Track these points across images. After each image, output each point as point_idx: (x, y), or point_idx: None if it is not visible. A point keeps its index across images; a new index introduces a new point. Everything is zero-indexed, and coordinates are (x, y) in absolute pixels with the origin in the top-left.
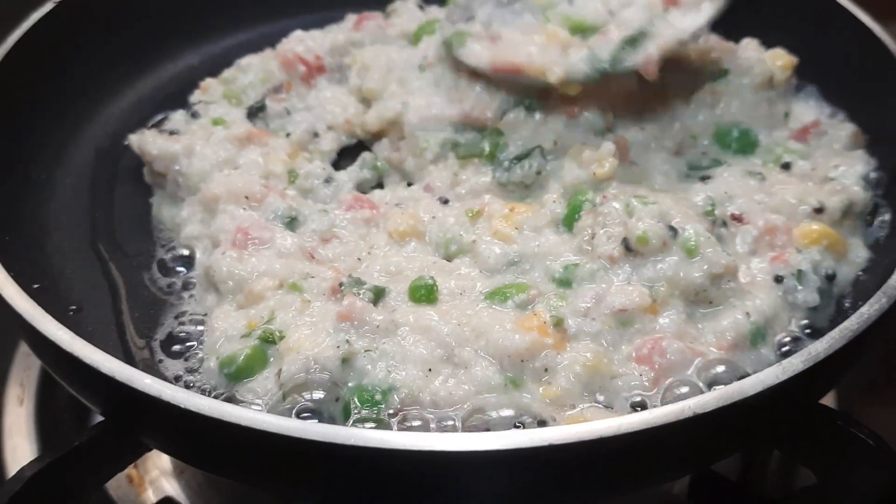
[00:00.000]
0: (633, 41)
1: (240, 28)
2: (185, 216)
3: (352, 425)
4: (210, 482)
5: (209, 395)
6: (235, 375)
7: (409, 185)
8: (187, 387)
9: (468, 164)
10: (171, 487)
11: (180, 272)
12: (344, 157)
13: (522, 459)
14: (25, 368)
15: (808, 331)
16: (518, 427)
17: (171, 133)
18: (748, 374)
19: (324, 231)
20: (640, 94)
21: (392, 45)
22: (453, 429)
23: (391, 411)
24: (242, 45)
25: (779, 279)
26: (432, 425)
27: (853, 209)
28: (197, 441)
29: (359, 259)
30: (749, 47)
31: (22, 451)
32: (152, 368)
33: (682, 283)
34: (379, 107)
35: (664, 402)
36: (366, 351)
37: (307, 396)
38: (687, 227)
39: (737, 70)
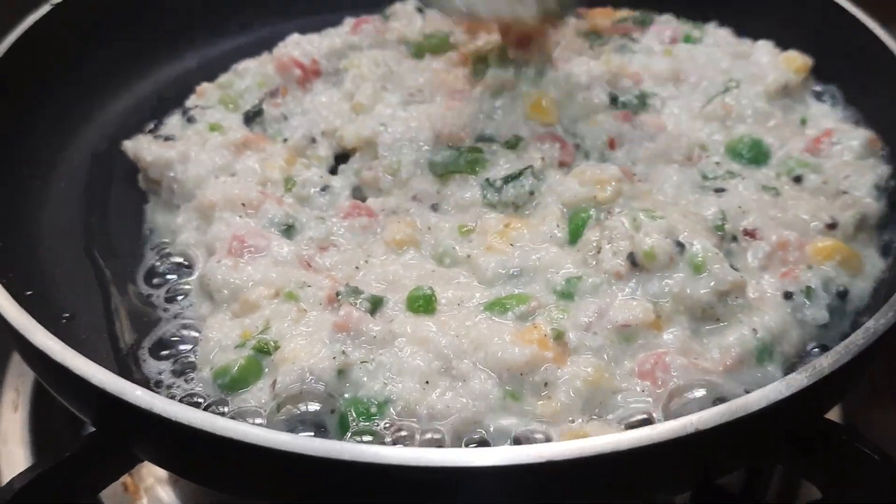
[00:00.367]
0: None
1: (238, 31)
2: (181, 223)
3: (348, 438)
4: (205, 491)
5: (203, 406)
6: (229, 386)
7: None
8: (179, 397)
9: (450, 179)
10: (167, 495)
11: (175, 279)
12: (342, 160)
13: (520, 475)
14: (20, 374)
15: (817, 348)
16: (517, 442)
17: (167, 139)
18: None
19: (321, 239)
20: None
21: (391, 51)
22: (450, 443)
23: (387, 424)
24: (240, 49)
25: (788, 295)
26: (429, 439)
27: (867, 222)
28: (189, 454)
29: (356, 268)
30: (764, 49)
31: (16, 458)
32: (144, 378)
33: (688, 300)
34: (358, 123)
35: (666, 418)
36: (362, 362)
37: (302, 408)
38: (694, 242)
39: (748, 79)
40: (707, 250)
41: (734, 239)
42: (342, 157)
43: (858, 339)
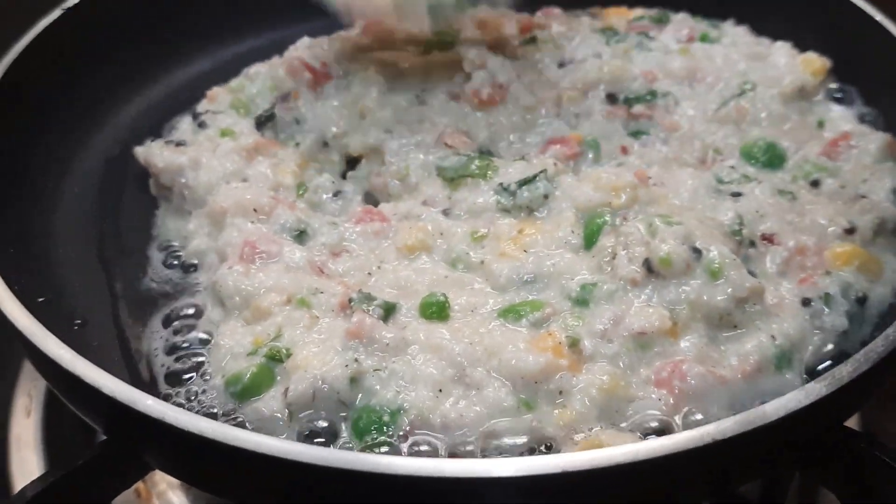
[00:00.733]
0: None
1: (249, 35)
2: (192, 229)
3: (361, 447)
4: (217, 498)
5: (216, 414)
6: (241, 394)
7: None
8: (190, 406)
9: (461, 184)
10: (179, 501)
11: (187, 285)
12: (354, 164)
13: (536, 486)
14: (33, 379)
15: (837, 353)
16: (531, 451)
17: (178, 144)
18: (771, 400)
19: (334, 245)
20: None
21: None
22: (464, 453)
23: (400, 433)
24: (253, 52)
25: (806, 302)
26: (442, 448)
27: (885, 227)
28: (200, 463)
29: (369, 274)
30: (781, 51)
31: (29, 464)
32: (156, 386)
33: (704, 307)
34: (363, 130)
35: (684, 428)
36: (374, 370)
37: (314, 416)
38: (711, 248)
39: (765, 81)
40: (724, 256)
41: (752, 244)
42: (354, 161)
43: (878, 346)
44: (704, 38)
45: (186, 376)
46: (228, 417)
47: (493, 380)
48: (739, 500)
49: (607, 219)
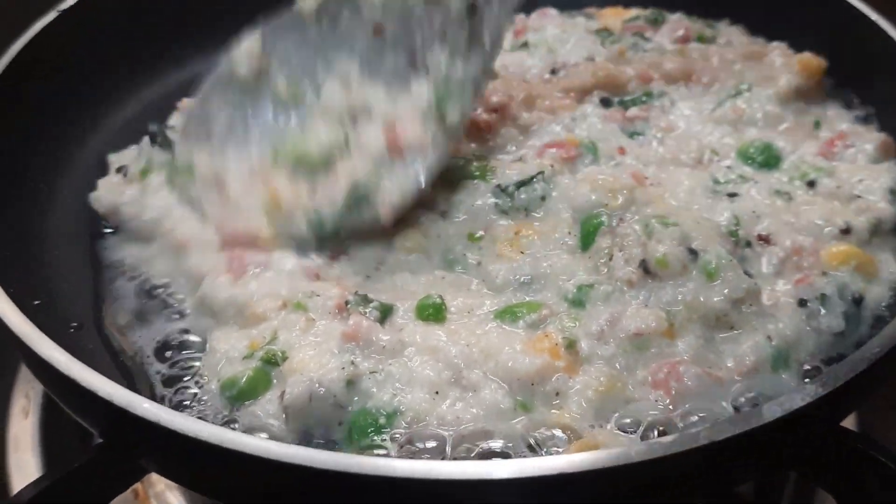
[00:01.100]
0: (354, 206)
1: (245, 35)
2: (154, 252)
3: (357, 450)
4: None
5: (211, 419)
6: (237, 398)
7: None
8: (186, 409)
9: (459, 187)
10: (177, 501)
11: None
12: None
13: (532, 488)
14: (30, 380)
15: (834, 354)
16: (528, 453)
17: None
18: (767, 400)
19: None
20: None
21: None
22: (461, 454)
23: (397, 435)
24: None
25: (802, 303)
26: (439, 450)
27: (881, 226)
28: (196, 466)
29: (367, 277)
30: (777, 51)
31: (27, 466)
32: (151, 389)
33: (701, 308)
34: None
35: (680, 429)
36: (371, 372)
37: (311, 419)
38: (708, 249)
39: (761, 82)
40: (720, 257)
41: (748, 244)
42: None
43: (874, 347)
44: (700, 39)
45: (180, 378)
46: (224, 421)
47: (489, 382)
48: (735, 500)
49: (604, 220)
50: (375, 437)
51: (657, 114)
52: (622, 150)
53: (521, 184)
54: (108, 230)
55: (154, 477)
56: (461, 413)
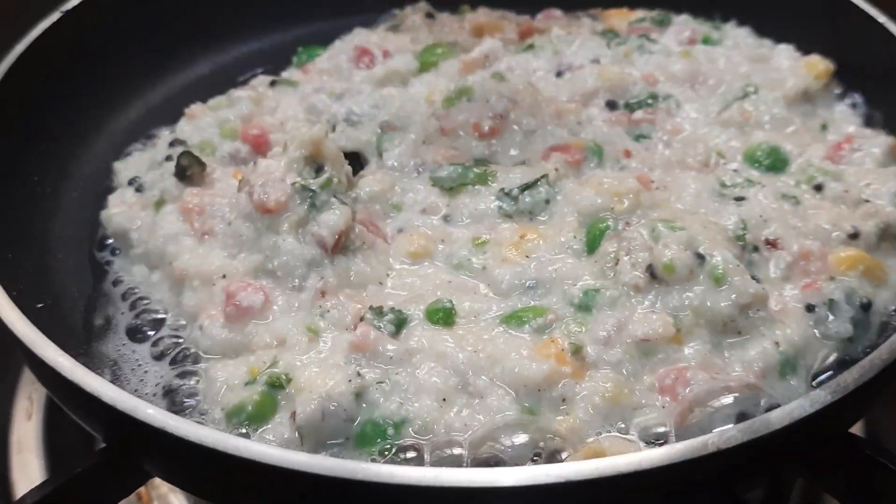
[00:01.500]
0: None
1: (251, 37)
2: (155, 281)
3: (366, 458)
4: None
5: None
6: (246, 424)
7: None
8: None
9: (460, 192)
10: (179, 503)
11: None
12: None
13: (539, 495)
14: (34, 382)
15: (842, 360)
16: (535, 460)
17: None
18: (776, 406)
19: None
20: None
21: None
22: (468, 462)
23: (405, 444)
24: (253, 55)
25: (810, 308)
26: (447, 458)
27: (889, 231)
28: (199, 472)
29: (380, 283)
30: (784, 54)
31: (31, 468)
32: (154, 393)
33: (708, 313)
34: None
35: (688, 435)
36: (378, 383)
37: (323, 435)
38: (715, 253)
39: (767, 84)
40: (728, 262)
41: (755, 249)
42: None
43: (883, 353)
44: (706, 41)
45: (183, 381)
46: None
47: (496, 388)
48: None
49: (609, 224)
50: (384, 447)
51: (663, 116)
52: (628, 153)
53: (526, 187)
54: (109, 241)
55: (157, 480)
56: (468, 420)
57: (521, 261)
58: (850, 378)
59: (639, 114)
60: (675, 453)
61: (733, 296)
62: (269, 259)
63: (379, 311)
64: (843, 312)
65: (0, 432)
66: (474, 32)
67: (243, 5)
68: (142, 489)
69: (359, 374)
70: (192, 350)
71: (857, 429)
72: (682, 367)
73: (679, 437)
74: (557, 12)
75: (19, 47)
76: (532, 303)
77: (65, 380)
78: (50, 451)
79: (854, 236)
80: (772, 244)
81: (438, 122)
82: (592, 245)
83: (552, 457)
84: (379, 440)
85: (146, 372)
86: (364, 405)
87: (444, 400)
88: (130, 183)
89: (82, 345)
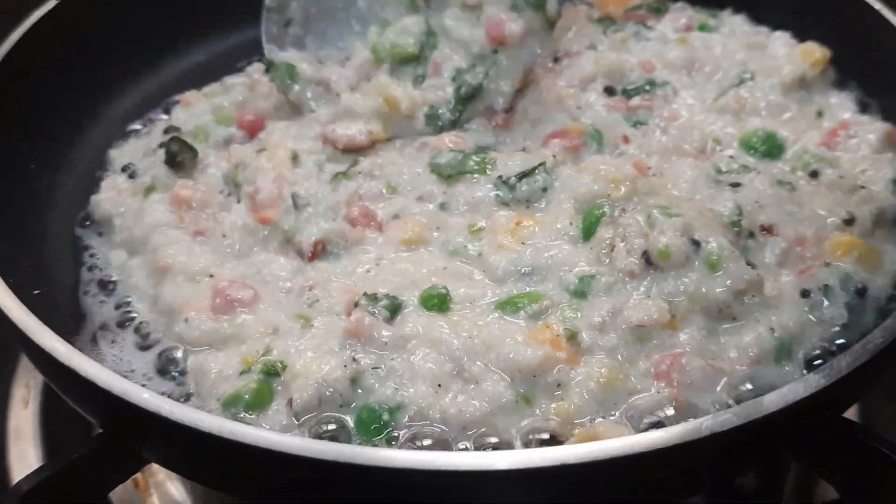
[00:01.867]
0: (470, 92)
1: (247, 25)
2: (133, 266)
3: (361, 443)
4: None
5: None
6: (244, 413)
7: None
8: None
9: (458, 180)
10: (177, 491)
11: None
12: None
13: (534, 479)
14: (31, 370)
15: (837, 345)
16: (530, 444)
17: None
18: (770, 391)
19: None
20: None
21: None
22: (464, 446)
23: (401, 429)
24: (249, 43)
25: (805, 293)
26: (441, 442)
27: (884, 217)
28: (196, 457)
29: (368, 270)
30: (781, 41)
31: (28, 456)
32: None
33: (703, 299)
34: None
35: (683, 420)
36: (373, 368)
37: (320, 420)
38: (710, 239)
39: (764, 71)
40: (723, 248)
41: (751, 235)
42: None
43: (877, 337)
44: (703, 28)
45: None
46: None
47: (491, 373)
48: (736, 492)
49: (605, 210)
50: (380, 432)
51: (660, 103)
52: (626, 139)
53: (523, 175)
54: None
55: (155, 466)
56: (464, 406)
57: (517, 247)
58: (844, 363)
59: (636, 100)
60: (668, 437)
61: (728, 282)
62: (258, 272)
63: (373, 298)
64: (838, 298)
65: None
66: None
67: None
68: (139, 476)
69: (354, 360)
70: (176, 342)
71: (851, 414)
72: (677, 353)
73: (673, 422)
74: None
75: (14, 35)
76: (527, 289)
77: (61, 365)
78: (47, 439)
79: (849, 222)
80: (767, 230)
81: None
82: (588, 232)
83: (547, 441)
84: (375, 425)
85: (133, 370)
86: (360, 391)
87: (440, 385)
88: (124, 170)
89: (78, 331)
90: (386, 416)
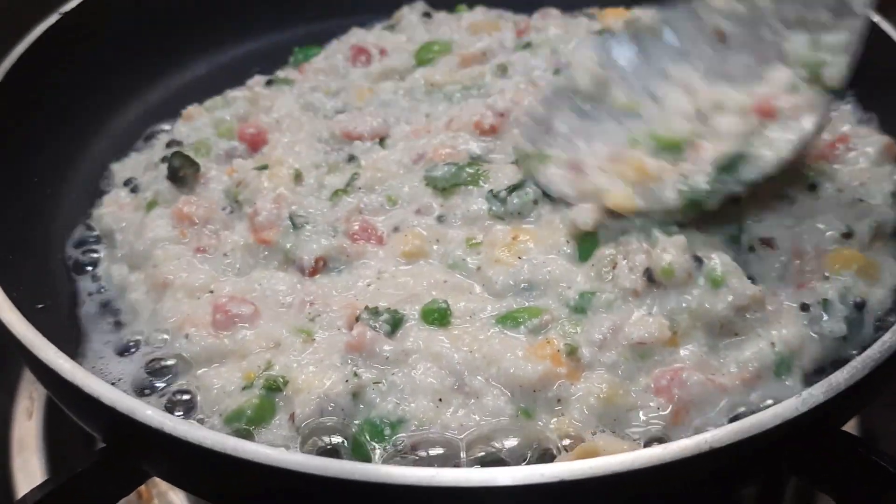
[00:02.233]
0: (729, 168)
1: (249, 38)
2: (133, 281)
3: (363, 459)
4: None
5: None
6: (247, 428)
7: None
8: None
9: (453, 192)
10: (179, 501)
11: None
12: None
13: (534, 495)
14: (34, 381)
15: (837, 359)
16: (530, 460)
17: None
18: (769, 406)
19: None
20: None
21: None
22: (464, 462)
23: (401, 444)
24: (250, 55)
25: (805, 307)
26: (443, 458)
27: (883, 230)
28: (198, 472)
29: (368, 284)
30: None
31: (32, 467)
32: (151, 394)
33: (705, 315)
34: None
35: (682, 435)
36: (374, 383)
37: (322, 434)
38: (713, 256)
39: None
40: (726, 264)
41: (751, 249)
42: None
43: (875, 352)
44: None
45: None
46: None
47: (491, 388)
48: (736, 502)
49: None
50: (381, 447)
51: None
52: None
53: (514, 188)
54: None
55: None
56: (464, 420)
57: (514, 262)
58: (842, 377)
59: None
60: (668, 453)
61: (730, 298)
62: (259, 287)
63: (375, 312)
64: (838, 311)
65: (1, 431)
66: (472, 31)
67: (241, 7)
68: (142, 487)
69: (356, 374)
70: (176, 359)
71: (851, 427)
72: (677, 368)
73: (673, 438)
74: (554, 11)
75: (18, 49)
76: (527, 304)
77: (64, 381)
78: (50, 450)
79: (848, 235)
80: (767, 244)
81: None
82: (586, 254)
83: (547, 457)
84: (376, 440)
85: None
86: (361, 405)
87: (441, 400)
88: (126, 184)
89: (80, 346)
90: (388, 431)
